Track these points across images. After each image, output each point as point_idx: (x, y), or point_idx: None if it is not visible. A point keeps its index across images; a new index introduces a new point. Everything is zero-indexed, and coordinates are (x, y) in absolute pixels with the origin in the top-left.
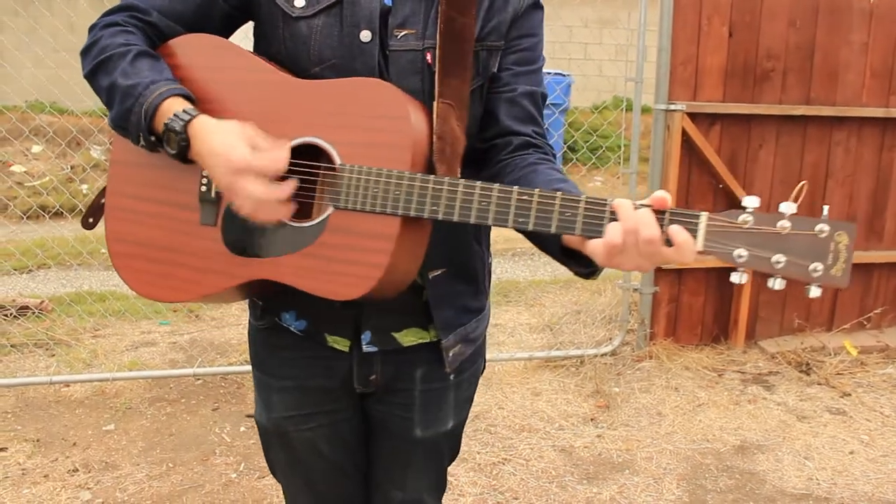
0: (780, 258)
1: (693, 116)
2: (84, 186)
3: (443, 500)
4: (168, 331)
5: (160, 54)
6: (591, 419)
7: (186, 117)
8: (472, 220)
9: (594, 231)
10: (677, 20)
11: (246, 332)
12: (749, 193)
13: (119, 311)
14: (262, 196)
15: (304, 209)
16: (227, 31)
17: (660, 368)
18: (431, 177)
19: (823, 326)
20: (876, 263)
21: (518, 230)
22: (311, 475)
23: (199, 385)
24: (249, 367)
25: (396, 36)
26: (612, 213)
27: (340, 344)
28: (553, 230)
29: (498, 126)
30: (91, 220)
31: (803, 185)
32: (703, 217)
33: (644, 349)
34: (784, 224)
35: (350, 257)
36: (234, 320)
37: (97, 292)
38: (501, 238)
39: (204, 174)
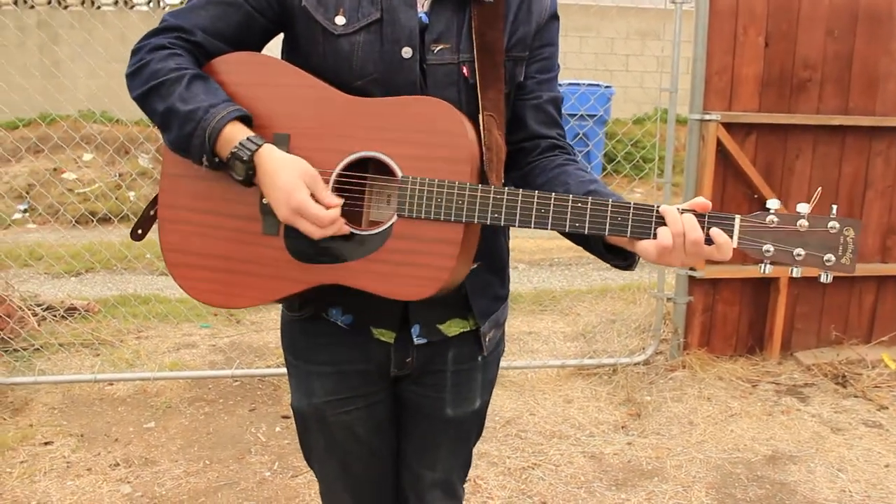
0: (800, 251)
1: (728, 126)
2: (132, 193)
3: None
4: (208, 333)
5: (209, 73)
6: (622, 427)
7: (253, 147)
8: (532, 226)
9: (643, 233)
10: (713, 30)
11: None
12: (785, 203)
13: (162, 314)
14: (316, 234)
15: (354, 217)
16: (263, 45)
17: (692, 378)
18: (492, 187)
19: (861, 339)
20: None
21: (571, 233)
22: (348, 458)
23: (237, 386)
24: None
25: (433, 51)
26: (660, 217)
27: (386, 336)
28: (606, 233)
29: (526, 130)
30: (140, 231)
31: (818, 192)
32: (737, 219)
33: (677, 359)
34: (803, 223)
35: (417, 261)
36: (273, 325)
37: (141, 295)
38: (539, 249)
39: None
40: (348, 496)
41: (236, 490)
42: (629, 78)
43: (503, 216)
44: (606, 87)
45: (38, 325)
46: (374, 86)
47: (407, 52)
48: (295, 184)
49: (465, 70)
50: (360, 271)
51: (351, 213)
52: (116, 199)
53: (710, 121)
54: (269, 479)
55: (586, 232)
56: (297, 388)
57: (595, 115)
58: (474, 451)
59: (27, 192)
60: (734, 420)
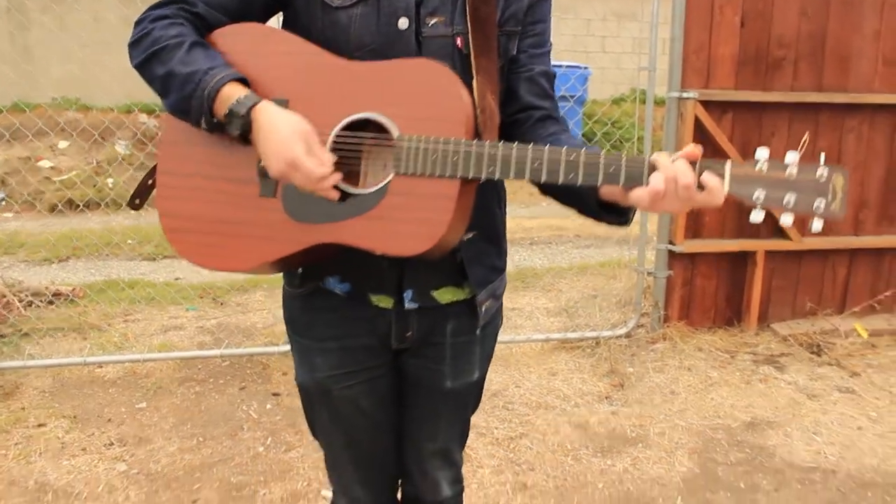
0: (790, 197)
1: (706, 104)
2: (110, 180)
3: (462, 472)
4: (195, 316)
5: (210, 43)
6: (606, 397)
7: (250, 102)
8: (527, 178)
9: (636, 181)
10: (690, 9)
11: (269, 316)
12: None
13: (148, 298)
14: (309, 187)
15: (353, 177)
16: (264, 20)
17: (673, 350)
18: (487, 142)
19: (835, 310)
20: (888, 248)
21: (565, 185)
22: (353, 432)
23: (226, 366)
24: (275, 349)
25: (428, 23)
26: (652, 165)
27: (384, 302)
28: (600, 182)
29: (519, 102)
30: (138, 201)
31: (806, 137)
32: (728, 164)
33: (658, 331)
34: (792, 170)
35: (414, 216)
36: (258, 306)
37: (126, 280)
38: (520, 228)
39: None
40: (353, 467)
41: (231, 465)
42: (606, 59)
43: (498, 169)
44: (584, 68)
45: (25, 310)
46: (371, 57)
47: (403, 23)
48: (291, 138)
49: (458, 41)
50: (357, 229)
51: (350, 173)
52: (95, 186)
53: (687, 99)
54: (263, 453)
55: (580, 182)
56: (300, 364)
57: (575, 96)
58: None
59: (3, 181)
60: (714, 389)
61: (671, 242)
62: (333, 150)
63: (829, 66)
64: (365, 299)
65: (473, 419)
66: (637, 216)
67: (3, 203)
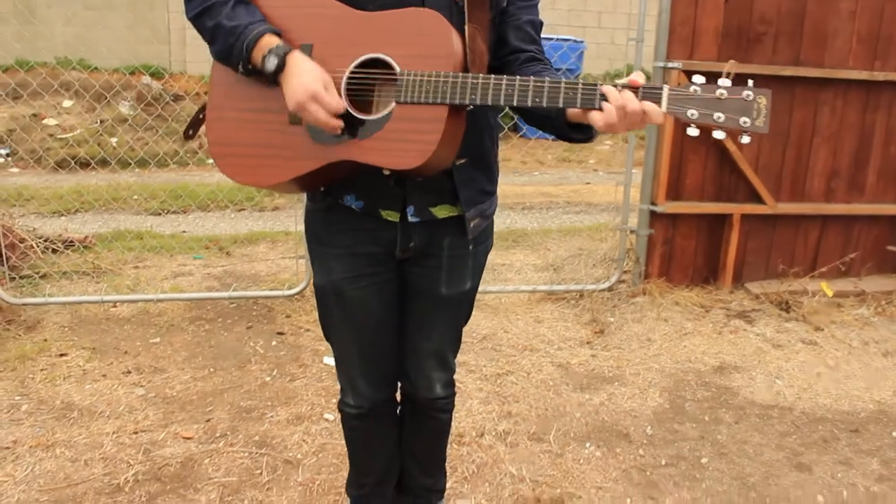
0: (720, 115)
1: (689, 74)
2: (113, 139)
3: (454, 402)
4: (202, 264)
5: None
6: (587, 342)
7: (286, 49)
8: (502, 102)
9: (590, 103)
10: None
11: (273, 265)
12: (739, 150)
13: (155, 248)
14: (322, 119)
15: (366, 106)
16: None
17: (652, 303)
18: (470, 74)
19: (806, 272)
20: (857, 216)
21: (533, 108)
22: (360, 329)
23: (234, 308)
24: (279, 293)
25: None
26: (603, 95)
27: (391, 216)
28: (561, 104)
29: (508, 46)
30: (191, 132)
31: (731, 64)
32: (665, 88)
33: (638, 286)
34: (721, 92)
35: (411, 137)
36: (262, 256)
37: (134, 231)
38: (514, 193)
39: None
40: (358, 361)
41: (240, 392)
42: (602, 34)
43: (479, 96)
44: (579, 41)
45: (42, 254)
46: (382, 9)
47: None
48: (315, 79)
49: None
50: (366, 148)
51: (365, 103)
52: (98, 144)
53: (672, 68)
54: (270, 382)
55: (545, 104)
56: (318, 270)
57: (575, 72)
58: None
59: (8, 136)
60: (687, 338)
61: (653, 203)
62: (349, 84)
63: (806, 42)
64: (376, 214)
65: (463, 358)
66: (622, 178)
67: (9, 158)
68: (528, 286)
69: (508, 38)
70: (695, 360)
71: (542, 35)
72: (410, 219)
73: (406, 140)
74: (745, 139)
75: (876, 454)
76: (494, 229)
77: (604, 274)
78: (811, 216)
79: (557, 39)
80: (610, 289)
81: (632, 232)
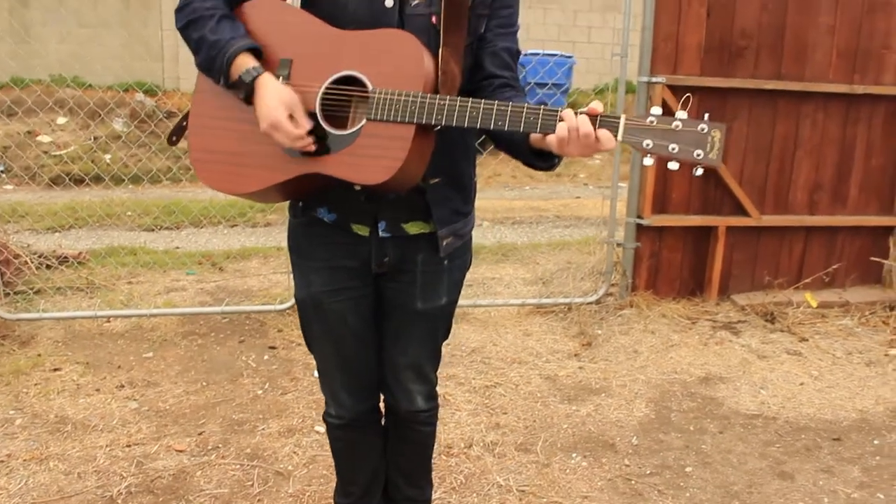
0: (674, 146)
1: (673, 89)
2: (107, 156)
3: (440, 413)
4: (195, 279)
5: (237, 14)
6: (575, 355)
7: (255, 73)
8: (466, 124)
9: (549, 128)
10: (660, 1)
11: (265, 280)
12: (724, 163)
13: (149, 263)
14: (286, 144)
15: (340, 121)
16: None
17: (639, 316)
18: (437, 96)
19: (791, 283)
20: (840, 227)
21: (495, 132)
22: (340, 342)
23: (226, 322)
24: (271, 307)
25: (411, 4)
26: (561, 118)
27: (362, 231)
28: (521, 129)
29: (483, 71)
30: (174, 137)
31: (688, 97)
32: (622, 118)
33: (626, 299)
34: (678, 124)
35: (378, 153)
36: (255, 271)
37: (128, 247)
38: (503, 208)
39: None
40: (339, 374)
41: (232, 405)
42: (591, 49)
43: (444, 117)
44: (568, 56)
45: (36, 270)
46: (361, 29)
47: (389, 2)
48: (277, 106)
49: (434, 19)
50: (334, 162)
51: (336, 118)
52: (92, 161)
53: (656, 83)
54: (261, 396)
55: (506, 128)
56: (299, 283)
57: (563, 86)
58: (442, 374)
59: (3, 153)
60: (674, 349)
61: (639, 216)
62: (325, 99)
63: (787, 56)
64: (348, 227)
65: (452, 371)
66: (609, 192)
67: (3, 175)
68: (517, 300)
69: (484, 63)
70: (681, 371)
71: (531, 50)
72: (382, 234)
73: (373, 156)
74: (699, 171)
75: (857, 462)
76: (485, 244)
77: (591, 287)
78: (795, 228)
79: (544, 55)
80: (598, 301)
81: (619, 245)
